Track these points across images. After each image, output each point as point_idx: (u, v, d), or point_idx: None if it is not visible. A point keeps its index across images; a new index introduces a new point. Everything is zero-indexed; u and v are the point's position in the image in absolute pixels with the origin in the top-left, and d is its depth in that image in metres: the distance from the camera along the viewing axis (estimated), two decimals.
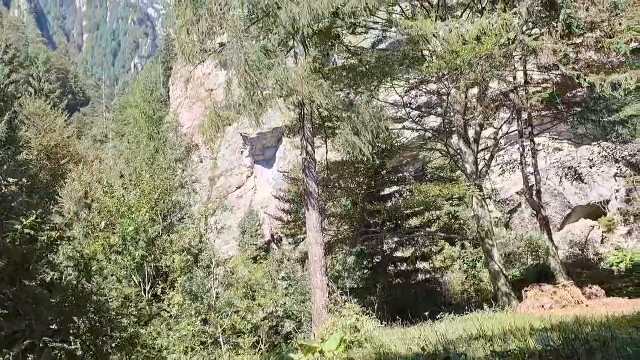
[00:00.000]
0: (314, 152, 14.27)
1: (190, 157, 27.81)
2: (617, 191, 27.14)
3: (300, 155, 14.37)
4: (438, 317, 13.54)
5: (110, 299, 8.48)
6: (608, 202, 27.59)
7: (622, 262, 24.72)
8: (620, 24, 14.28)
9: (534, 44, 13.85)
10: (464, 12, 18.26)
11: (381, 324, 13.30)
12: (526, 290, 14.91)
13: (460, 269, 26.06)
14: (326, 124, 16.59)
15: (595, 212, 27.94)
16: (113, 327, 6.80)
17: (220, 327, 15.61)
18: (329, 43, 15.97)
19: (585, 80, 13.84)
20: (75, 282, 6.47)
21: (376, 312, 17.87)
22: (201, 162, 41.01)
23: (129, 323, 8.01)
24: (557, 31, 14.24)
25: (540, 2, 14.40)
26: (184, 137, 30.80)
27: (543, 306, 13.84)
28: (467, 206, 24.55)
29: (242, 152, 49.96)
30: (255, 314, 18.26)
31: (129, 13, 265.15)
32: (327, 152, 16.57)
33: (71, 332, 6.07)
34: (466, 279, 24.76)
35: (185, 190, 24.71)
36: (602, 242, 26.96)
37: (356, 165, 17.98)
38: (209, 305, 16.64)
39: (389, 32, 17.50)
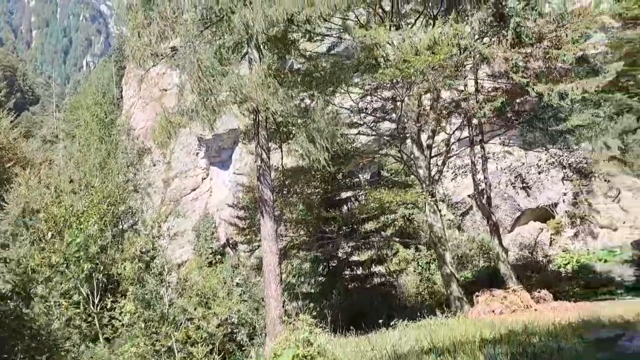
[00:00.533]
0: (269, 159, 14.14)
1: (142, 160, 27.15)
2: (565, 194, 28.05)
3: (255, 162, 14.22)
4: (392, 323, 13.67)
5: (51, 319, 8.12)
6: (556, 204, 28.49)
7: (568, 263, 25.58)
8: (566, 35, 14.76)
9: (487, 52, 14.14)
10: (417, 19, 18.49)
11: (336, 333, 13.31)
12: (477, 295, 15.20)
13: (414, 271, 26.35)
14: (281, 129, 16.49)
15: (544, 214, 28.79)
16: (50, 355, 6.48)
17: (173, 336, 15.29)
18: (284, 48, 15.88)
19: (533, 89, 14.24)
20: (12, 307, 6.16)
21: (332, 319, 17.90)
22: (154, 165, 40.22)
23: (72, 344, 7.68)
24: (507, 40, 14.59)
25: (490, 13, 14.72)
26: (136, 141, 30.07)
27: (494, 311, 14.13)
28: (420, 210, 24.88)
29: (197, 154, 49.17)
30: (210, 322, 17.97)
31: (81, 9, 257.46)
32: (282, 158, 16.47)
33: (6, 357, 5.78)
34: (420, 281, 25.06)
35: (138, 194, 24.10)
36: (550, 244, 27.80)
37: (312, 172, 17.94)
38: (162, 313, 16.27)
39: (345, 38, 17.54)
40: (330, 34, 17.52)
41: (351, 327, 14.28)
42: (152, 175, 38.24)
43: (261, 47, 14.41)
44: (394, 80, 15.47)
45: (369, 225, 22.29)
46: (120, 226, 20.37)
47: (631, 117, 18.74)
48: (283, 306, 12.81)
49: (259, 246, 18.92)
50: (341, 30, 17.90)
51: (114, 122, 30.07)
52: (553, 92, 13.96)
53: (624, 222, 27.19)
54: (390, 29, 16.15)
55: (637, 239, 25.93)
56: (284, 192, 19.38)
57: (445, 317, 14.17)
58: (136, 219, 22.69)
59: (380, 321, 13.45)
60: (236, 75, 12.83)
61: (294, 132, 15.07)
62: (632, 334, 6.38)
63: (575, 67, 15.00)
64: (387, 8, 18.11)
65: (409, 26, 17.25)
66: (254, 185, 19.23)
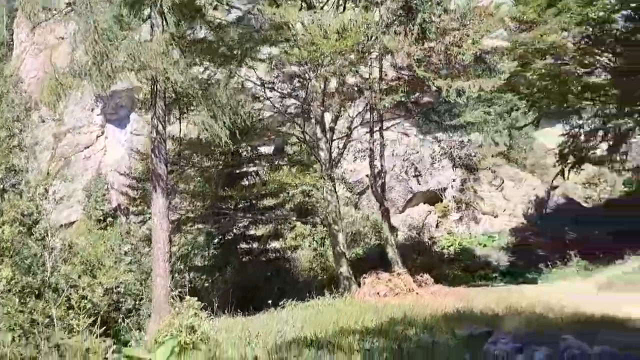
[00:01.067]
0: (165, 131, 13.63)
1: (29, 116, 25.18)
2: (454, 180, 29.60)
3: (150, 133, 13.66)
4: (281, 303, 13.94)
5: None
6: (445, 189, 30.09)
7: (452, 245, 27.32)
8: (468, 35, 15.39)
9: (391, 45, 14.40)
10: None
11: (225, 311, 13.33)
12: (365, 277, 15.81)
13: (309, 247, 26.87)
14: (182, 99, 15.92)
15: (434, 198, 30.36)
16: None
17: (54, 306, 14.59)
18: (190, 15, 15.24)
19: (434, 84, 14.73)
20: None
21: (224, 294, 17.87)
22: (43, 122, 37.59)
23: None
24: (412, 34, 14.93)
25: (399, 5, 14.98)
26: (24, 95, 27.74)
27: (378, 293, 14.80)
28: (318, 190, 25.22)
29: (92, 110, 46.40)
30: (95, 292, 17.33)
31: None
32: (180, 130, 15.98)
33: None
34: (314, 257, 25.60)
35: (23, 153, 22.41)
36: (436, 226, 29.44)
37: (212, 147, 17.56)
38: (43, 280, 15.46)
39: (254, 12, 17.10)
40: (238, 7, 17.03)
41: (243, 305, 14.40)
42: (40, 131, 35.78)
43: (165, 12, 13.70)
44: (302, 62, 15.43)
45: (268, 201, 22.33)
46: (2, 185, 18.95)
47: (517, 115, 20.14)
48: (170, 285, 12.59)
49: (150, 217, 18.40)
50: (251, 1, 17.48)
51: (1, 71, 27.53)
52: (451, 88, 14.51)
53: (505, 210, 29.34)
54: (301, 8, 15.98)
55: (514, 226, 28.15)
56: (182, 163, 18.86)
57: (333, 297, 14.65)
58: (20, 179, 21.17)
59: (270, 301, 13.67)
60: (135, 41, 12.17)
61: (194, 104, 14.62)
62: (497, 336, 6.92)
63: (473, 66, 15.69)
64: None
65: (320, 6, 17.21)
66: (149, 153, 18.54)
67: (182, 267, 20.35)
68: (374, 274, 15.79)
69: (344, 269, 16.84)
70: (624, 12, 20.15)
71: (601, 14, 19.49)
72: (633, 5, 19.70)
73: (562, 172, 25.12)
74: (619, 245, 20.67)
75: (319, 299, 14.35)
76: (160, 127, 13.24)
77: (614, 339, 7.18)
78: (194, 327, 8.02)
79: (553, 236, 25.12)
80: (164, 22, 13.57)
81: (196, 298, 9.39)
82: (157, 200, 12.79)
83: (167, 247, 12.56)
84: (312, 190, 27.58)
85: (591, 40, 19.65)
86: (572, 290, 13.83)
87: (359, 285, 16.26)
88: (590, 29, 19.43)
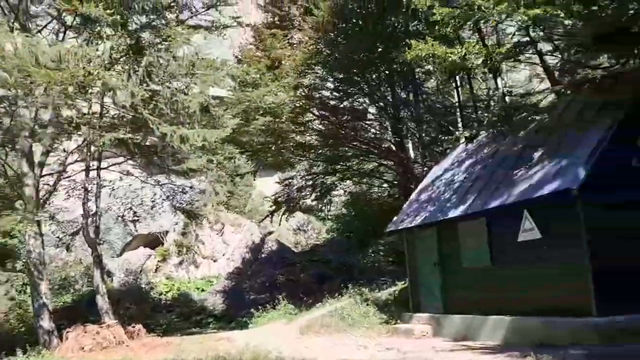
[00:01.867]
0: None
1: None
2: (176, 224, 29.47)
3: None
4: None
5: None
6: (167, 232, 29.66)
7: (170, 290, 26.88)
8: (195, 84, 15.74)
9: (113, 83, 13.75)
10: (48, 23, 16.99)
11: None
12: (68, 331, 14.32)
13: (6, 295, 23.43)
14: None
15: (155, 241, 29.58)
16: None
17: None
18: None
19: (158, 129, 14.50)
20: None
21: None
22: None
23: None
24: (137, 75, 14.56)
25: (126, 43, 14.58)
26: None
27: (83, 348, 13.57)
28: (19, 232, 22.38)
29: None
30: None
31: None
32: None
33: None
34: (11, 308, 22.35)
35: None
36: (156, 270, 28.63)
37: None
38: None
39: None
40: None
41: None
42: None
43: None
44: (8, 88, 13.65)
45: None
46: None
47: (239, 163, 21.36)
48: None
49: None
50: None
51: None
52: (175, 134, 14.45)
53: (224, 254, 30.18)
54: (12, 29, 14.30)
55: (232, 270, 29.11)
56: None
57: (27, 356, 12.91)
58: None
59: None
60: None
61: None
62: None
63: (199, 115, 15.97)
64: (14, 2, 16.02)
65: (36, 30, 15.72)
66: None
67: None
68: (80, 327, 14.42)
69: (45, 322, 14.97)
70: (330, 85, 23.29)
71: (312, 82, 22.18)
72: (339, 77, 22.86)
73: (271, 217, 27.31)
74: (320, 288, 22.99)
75: (9, 358, 12.51)
76: None
77: None
78: None
79: (265, 280, 26.66)
80: None
81: None
82: None
83: None
84: (13, 230, 24.46)
85: (303, 104, 22.05)
86: (277, 334, 14.67)
87: (62, 339, 14.64)
88: (304, 94, 21.83)
